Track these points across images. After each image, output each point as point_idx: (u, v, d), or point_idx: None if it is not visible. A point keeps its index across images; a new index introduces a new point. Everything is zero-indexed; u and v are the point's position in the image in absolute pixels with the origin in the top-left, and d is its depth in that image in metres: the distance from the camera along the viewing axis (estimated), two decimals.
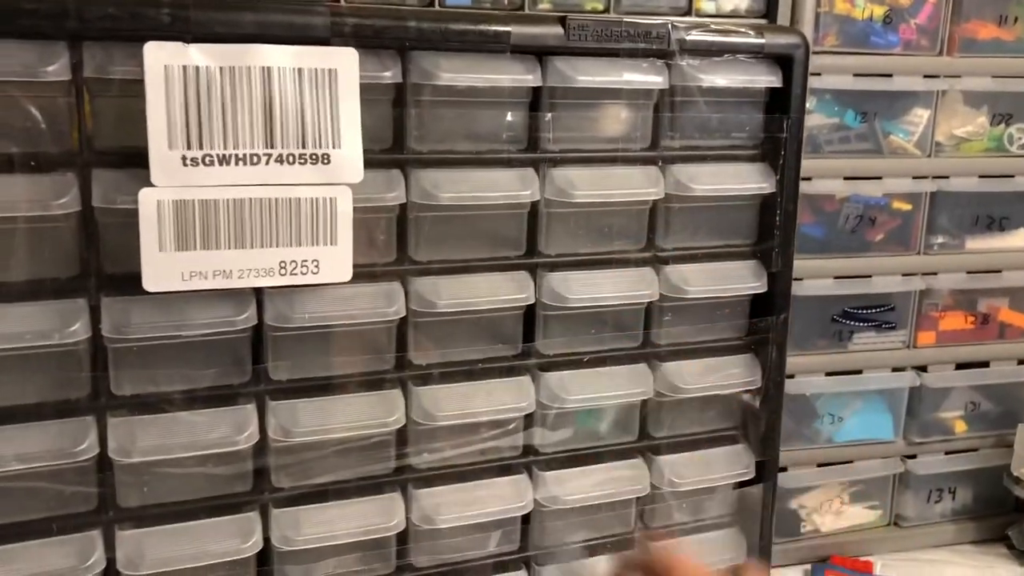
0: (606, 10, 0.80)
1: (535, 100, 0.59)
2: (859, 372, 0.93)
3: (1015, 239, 0.95)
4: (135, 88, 0.51)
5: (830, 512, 0.94)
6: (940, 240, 0.94)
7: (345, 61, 0.54)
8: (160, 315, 0.54)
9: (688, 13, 0.80)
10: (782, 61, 0.60)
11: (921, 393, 0.95)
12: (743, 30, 0.59)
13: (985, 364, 0.96)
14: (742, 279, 0.68)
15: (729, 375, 0.68)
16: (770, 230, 0.69)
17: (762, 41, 0.59)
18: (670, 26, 0.57)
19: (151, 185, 0.52)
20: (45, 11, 0.50)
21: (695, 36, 0.58)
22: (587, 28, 0.57)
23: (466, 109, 0.58)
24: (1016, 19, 0.89)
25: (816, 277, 0.86)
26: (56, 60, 0.50)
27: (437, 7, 0.75)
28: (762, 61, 0.60)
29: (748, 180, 0.64)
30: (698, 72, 0.58)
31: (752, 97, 0.60)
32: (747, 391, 0.69)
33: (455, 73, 0.56)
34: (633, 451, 0.67)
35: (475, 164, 0.59)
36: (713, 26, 0.59)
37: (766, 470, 0.73)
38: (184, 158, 0.53)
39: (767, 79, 0.60)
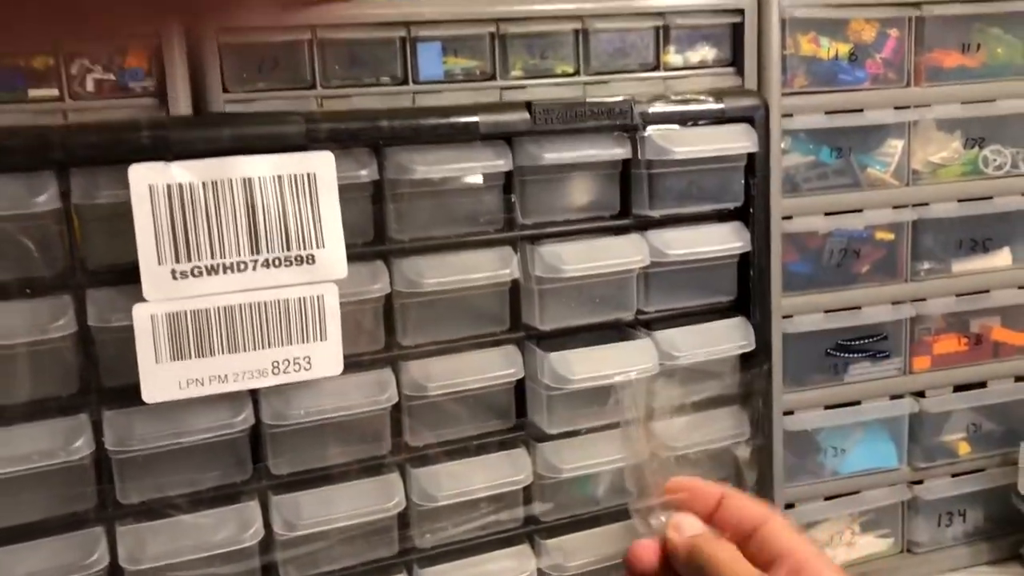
0: (576, 72, 0.82)
1: (508, 181, 0.61)
2: (858, 403, 0.94)
3: (1000, 259, 0.96)
4: (122, 208, 0.54)
5: (842, 544, 0.94)
6: (926, 266, 0.95)
7: (322, 165, 0.56)
8: (161, 424, 0.56)
9: (656, 68, 0.82)
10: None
11: (921, 418, 0.95)
12: (703, 98, 0.61)
13: (983, 384, 0.97)
14: (730, 338, 0.69)
15: (719, 429, 0.69)
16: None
17: (722, 106, 0.61)
18: (632, 103, 0.59)
19: (144, 300, 0.54)
20: (31, 146, 0.52)
21: (657, 109, 0.60)
22: (552, 112, 0.59)
23: (442, 198, 0.60)
24: (979, 46, 0.91)
25: (806, 313, 0.87)
26: (45, 190, 0.53)
27: (411, 84, 0.77)
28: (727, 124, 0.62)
29: (722, 241, 0.66)
30: (669, 144, 0.60)
31: (732, 162, 0.62)
32: (737, 442, 0.70)
33: (429, 166, 0.58)
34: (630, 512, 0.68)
35: (455, 248, 0.61)
36: (673, 97, 0.61)
37: None
38: (174, 272, 0.55)
39: (742, 145, 0.61)
